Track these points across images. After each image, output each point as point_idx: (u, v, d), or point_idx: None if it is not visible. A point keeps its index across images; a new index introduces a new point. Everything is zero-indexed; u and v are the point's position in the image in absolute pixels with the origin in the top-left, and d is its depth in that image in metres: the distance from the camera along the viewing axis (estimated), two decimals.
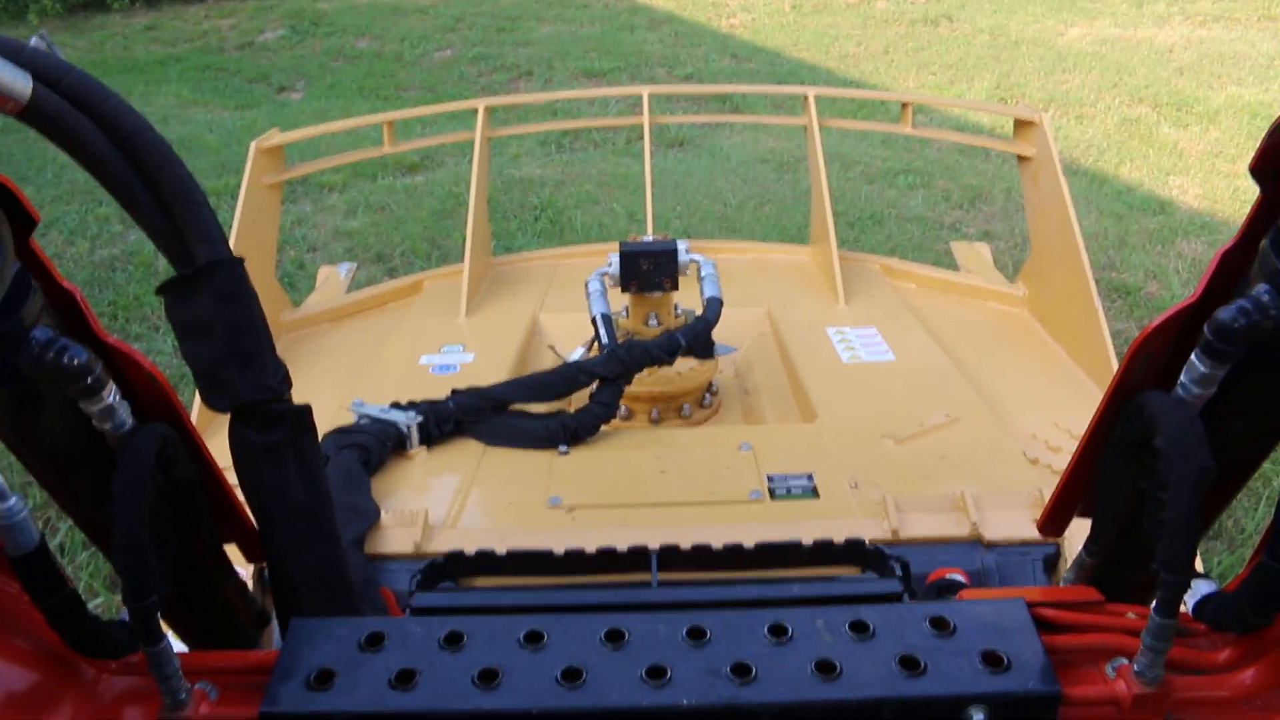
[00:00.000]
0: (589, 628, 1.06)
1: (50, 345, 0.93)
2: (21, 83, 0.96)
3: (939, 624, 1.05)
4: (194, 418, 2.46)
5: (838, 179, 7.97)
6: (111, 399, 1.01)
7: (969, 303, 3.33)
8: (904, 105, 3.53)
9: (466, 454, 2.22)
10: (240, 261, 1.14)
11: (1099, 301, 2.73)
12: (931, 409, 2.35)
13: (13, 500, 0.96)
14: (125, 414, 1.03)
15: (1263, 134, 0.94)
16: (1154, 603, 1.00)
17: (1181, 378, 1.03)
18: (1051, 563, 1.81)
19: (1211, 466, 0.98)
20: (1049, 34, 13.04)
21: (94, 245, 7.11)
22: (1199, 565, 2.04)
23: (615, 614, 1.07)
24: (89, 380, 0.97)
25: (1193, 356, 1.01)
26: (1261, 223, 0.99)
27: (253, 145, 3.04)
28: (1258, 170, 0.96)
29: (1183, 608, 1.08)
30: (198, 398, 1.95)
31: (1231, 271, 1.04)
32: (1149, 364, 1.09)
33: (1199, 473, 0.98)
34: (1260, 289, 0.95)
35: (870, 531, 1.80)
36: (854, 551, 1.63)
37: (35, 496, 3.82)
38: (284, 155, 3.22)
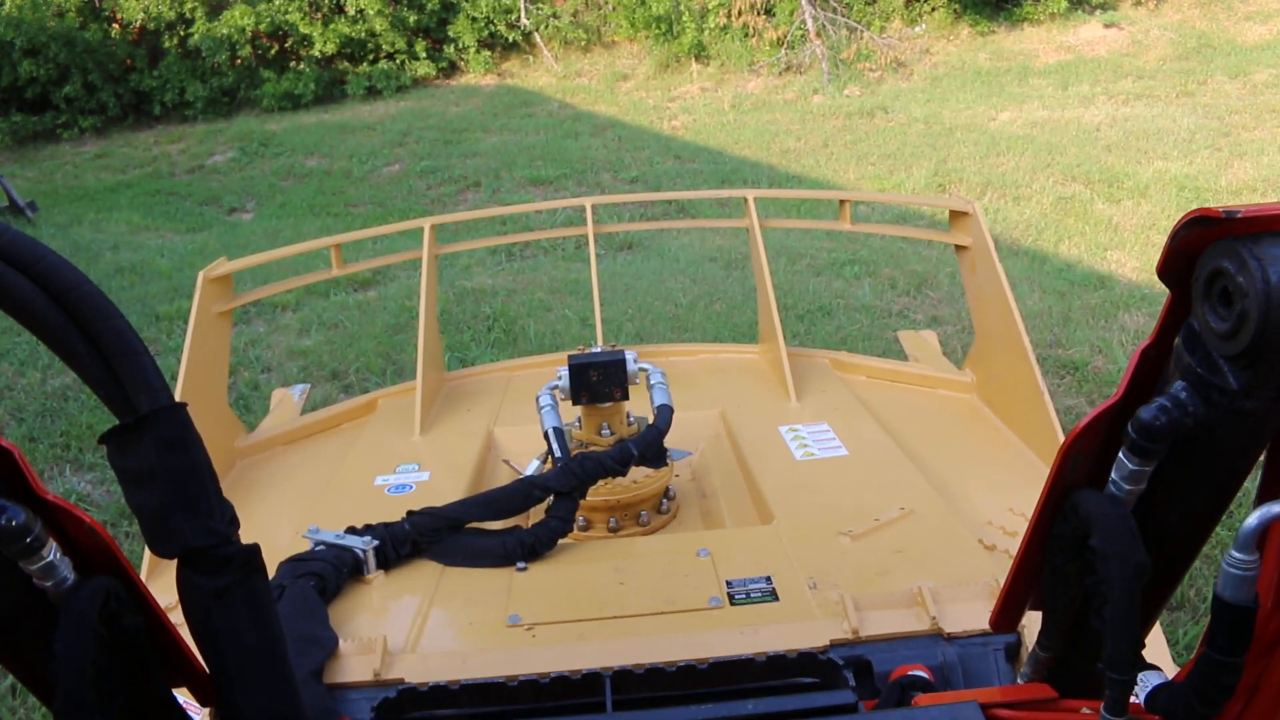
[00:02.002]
0: None
1: None
2: None
3: None
4: (144, 563, 2.43)
5: (785, 272, 8.09)
6: (51, 557, 1.00)
7: (919, 392, 3.38)
8: (841, 202, 3.61)
9: (424, 576, 2.20)
10: (182, 407, 1.14)
11: (1044, 384, 2.77)
12: (886, 503, 2.37)
13: None
14: (66, 570, 1.03)
15: (1191, 205, 0.98)
16: (1103, 702, 1.01)
17: (1112, 475, 1.06)
18: (1013, 651, 1.82)
19: (1146, 564, 1.00)
20: (981, 120, 13.44)
21: (45, 376, 7.05)
22: (1161, 640, 2.05)
23: None
24: (28, 540, 0.96)
25: (1120, 455, 1.04)
26: (1173, 321, 1.03)
27: (200, 275, 3.05)
28: (1164, 273, 1.00)
29: (1136, 698, 1.09)
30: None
31: (1152, 368, 1.07)
32: (1081, 463, 1.12)
33: (1134, 571, 1.00)
34: (1178, 386, 0.98)
35: (830, 632, 1.80)
36: (807, 663, 1.62)
37: None
38: (232, 283, 3.23)
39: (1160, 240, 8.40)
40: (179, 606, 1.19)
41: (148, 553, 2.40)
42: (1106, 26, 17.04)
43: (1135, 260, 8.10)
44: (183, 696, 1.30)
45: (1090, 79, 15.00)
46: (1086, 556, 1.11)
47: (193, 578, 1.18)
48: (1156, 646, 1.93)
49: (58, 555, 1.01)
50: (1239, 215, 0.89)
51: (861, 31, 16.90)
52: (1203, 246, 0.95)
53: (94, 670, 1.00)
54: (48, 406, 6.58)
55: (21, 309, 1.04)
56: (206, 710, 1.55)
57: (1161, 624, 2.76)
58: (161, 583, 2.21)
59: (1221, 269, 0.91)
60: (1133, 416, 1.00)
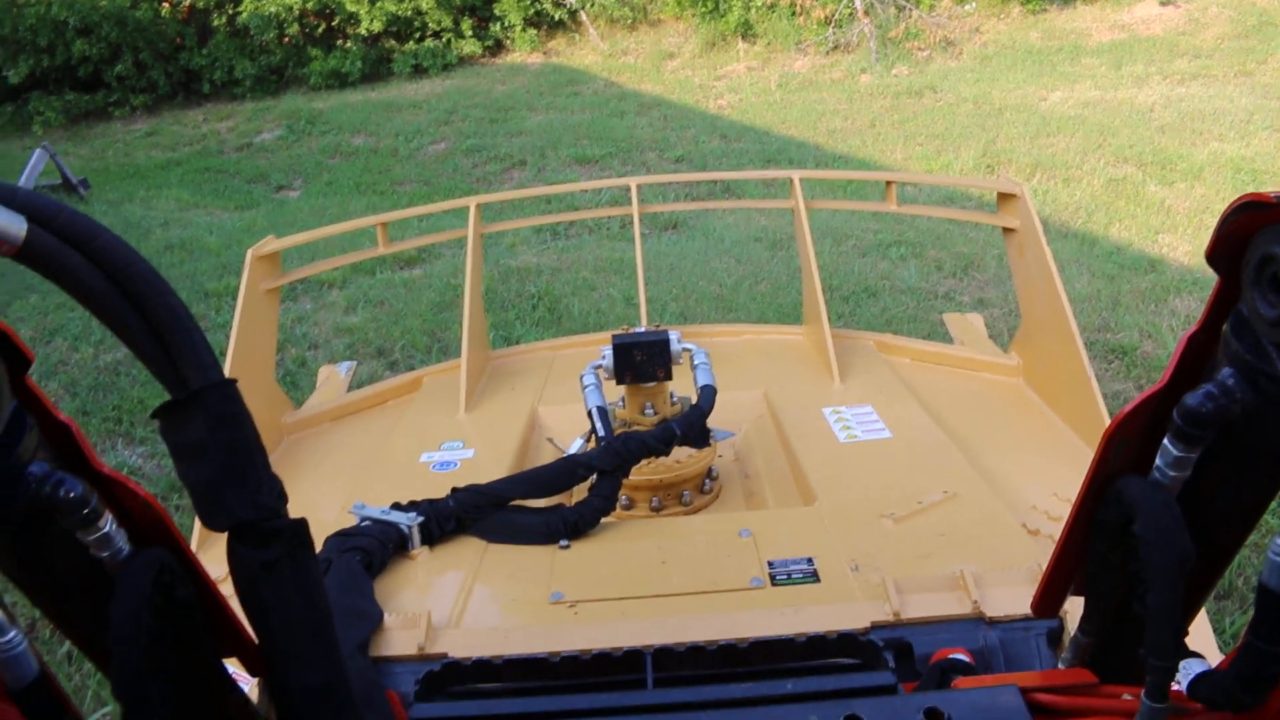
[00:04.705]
0: None
1: (46, 479, 0.95)
2: (16, 226, 0.99)
3: (933, 715, 1.06)
4: (195, 535, 2.47)
5: (830, 253, 8.05)
6: (108, 528, 1.03)
7: (964, 375, 3.35)
8: (888, 184, 3.58)
9: (468, 552, 2.23)
10: (233, 383, 1.16)
11: (1091, 368, 2.74)
12: (929, 486, 2.36)
13: (12, 634, 0.97)
14: (122, 541, 1.05)
15: (1248, 188, 0.97)
16: (1144, 688, 1.01)
17: (1157, 462, 1.05)
18: (1055, 636, 1.81)
19: (1191, 551, 1.00)
20: (1031, 100, 13.24)
21: (98, 351, 7.17)
22: (1207, 628, 2.03)
23: (611, 719, 1.08)
24: (85, 511, 0.99)
25: (1165, 441, 1.03)
26: (1222, 307, 1.01)
27: (249, 253, 3.09)
28: (1213, 258, 0.99)
29: (1178, 685, 1.08)
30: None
31: (1199, 354, 1.06)
32: (1125, 450, 1.11)
33: (1178, 558, 0.99)
34: (1225, 373, 0.97)
35: (872, 614, 1.80)
36: (847, 644, 1.63)
37: None
38: (280, 260, 3.27)
39: (1214, 223, 8.27)
40: (229, 578, 1.22)
41: (198, 526, 2.44)
42: (1162, 4, 16.69)
43: (1188, 244, 7.97)
44: (232, 666, 1.32)
45: (1145, 58, 14.72)
46: (1130, 543, 1.10)
47: (242, 551, 1.21)
48: (1202, 634, 1.91)
49: (113, 527, 1.04)
50: None
51: (910, 10, 16.69)
52: (1253, 231, 0.94)
53: (148, 638, 1.03)
54: (100, 381, 6.70)
55: (78, 286, 1.06)
56: (255, 680, 1.58)
57: (1208, 611, 2.72)
58: (212, 554, 2.25)
59: (1272, 254, 0.90)
60: (1179, 403, 0.99)
